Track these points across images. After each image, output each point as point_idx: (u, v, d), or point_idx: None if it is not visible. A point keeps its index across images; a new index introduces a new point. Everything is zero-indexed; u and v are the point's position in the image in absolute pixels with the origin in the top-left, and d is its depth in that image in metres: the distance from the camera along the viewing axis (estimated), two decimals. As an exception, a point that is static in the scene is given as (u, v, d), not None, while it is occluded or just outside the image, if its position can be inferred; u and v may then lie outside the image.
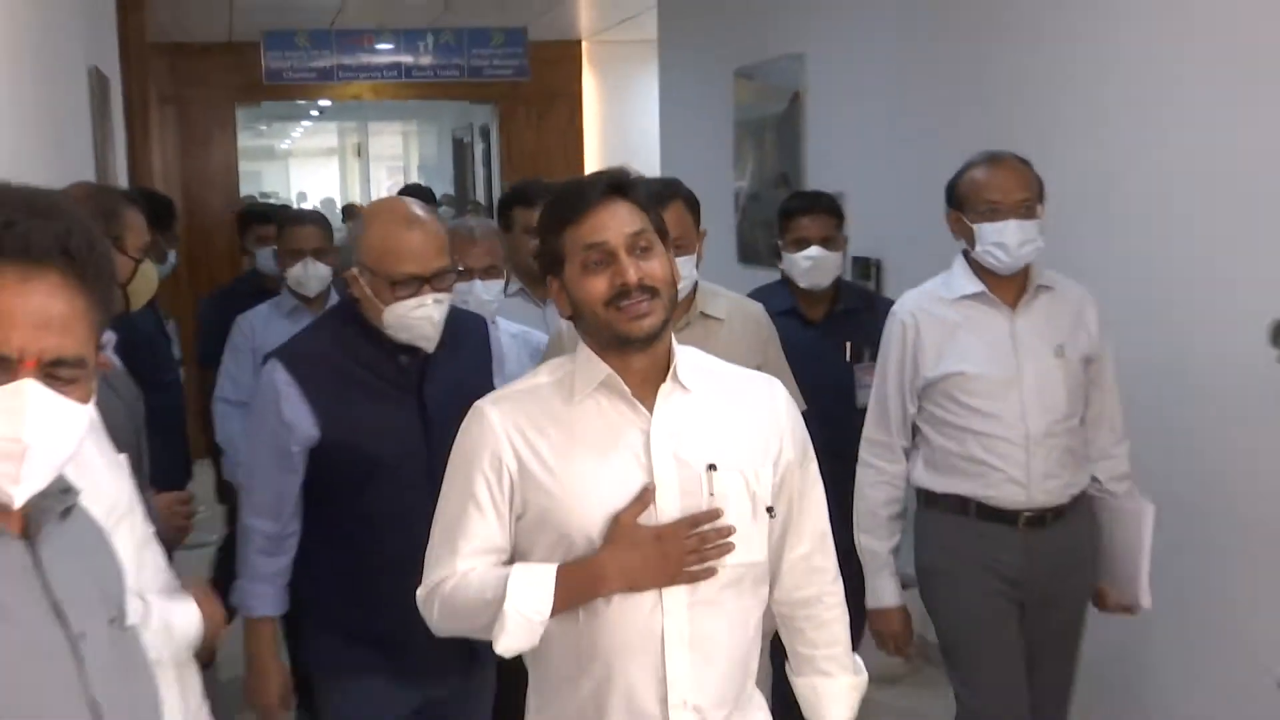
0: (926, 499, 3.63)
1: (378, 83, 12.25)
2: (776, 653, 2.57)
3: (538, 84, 12.16)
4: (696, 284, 3.60)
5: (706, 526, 2.20)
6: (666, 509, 2.23)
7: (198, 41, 11.81)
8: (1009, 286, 3.56)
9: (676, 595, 2.25)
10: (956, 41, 6.12)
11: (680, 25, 10.11)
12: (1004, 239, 3.46)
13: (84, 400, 1.71)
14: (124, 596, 1.96)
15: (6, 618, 1.68)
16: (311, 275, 5.10)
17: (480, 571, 2.28)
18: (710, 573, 2.20)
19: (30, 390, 1.62)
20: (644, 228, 2.25)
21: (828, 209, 4.56)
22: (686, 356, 2.35)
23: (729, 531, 2.21)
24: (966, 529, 3.53)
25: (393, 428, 2.90)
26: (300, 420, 2.98)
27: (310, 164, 25.39)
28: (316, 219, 5.41)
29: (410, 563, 2.48)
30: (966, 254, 3.64)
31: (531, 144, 13.16)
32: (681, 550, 2.17)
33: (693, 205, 3.71)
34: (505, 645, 2.20)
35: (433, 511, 2.47)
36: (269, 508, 3.09)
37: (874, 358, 4.12)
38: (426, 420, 2.56)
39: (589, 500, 2.26)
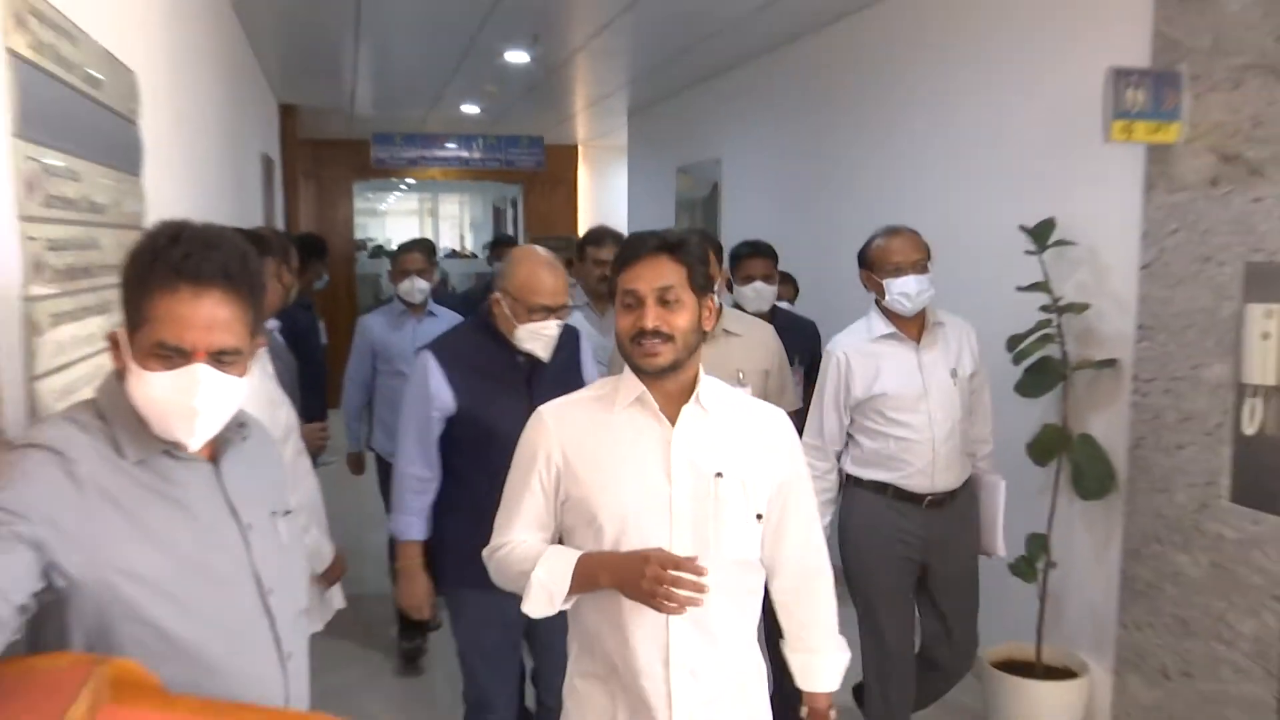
0: (855, 482, 3.41)
1: (445, 168, 12.20)
2: (776, 655, 2.30)
3: (549, 173, 12.03)
4: (721, 307, 3.08)
5: (686, 574, 1.86)
6: (680, 507, 1.98)
7: (329, 138, 11.72)
8: (912, 326, 3.35)
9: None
10: (826, 147, 6.04)
11: (641, 137, 10.05)
12: (906, 290, 3.27)
13: (241, 375, 1.62)
14: (285, 494, 1.89)
15: (197, 516, 1.62)
16: (416, 288, 4.86)
17: (527, 545, 2.06)
18: (677, 609, 1.87)
19: (201, 372, 1.54)
20: (673, 283, 1.95)
21: (765, 254, 4.28)
22: (709, 384, 2.06)
23: (702, 587, 1.86)
24: (883, 505, 3.36)
25: (508, 406, 2.67)
26: (442, 394, 2.86)
27: (400, 220, 25.08)
28: (421, 247, 5.15)
29: None
30: (878, 303, 3.40)
31: (545, 210, 13.04)
32: (655, 582, 1.85)
33: (716, 248, 3.57)
34: (528, 608, 1.99)
35: None
36: (419, 458, 2.94)
37: (802, 363, 4.03)
38: (531, 403, 2.30)
39: (615, 493, 2.01)
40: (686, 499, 1.99)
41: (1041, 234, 3.72)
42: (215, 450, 1.67)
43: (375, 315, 5.04)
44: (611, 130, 10.95)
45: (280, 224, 8.05)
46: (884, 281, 3.31)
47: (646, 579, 1.86)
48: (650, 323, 1.93)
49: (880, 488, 3.37)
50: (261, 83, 7.60)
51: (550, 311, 2.82)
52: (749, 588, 2.08)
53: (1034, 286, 3.68)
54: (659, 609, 1.89)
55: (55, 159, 1.96)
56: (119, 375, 1.59)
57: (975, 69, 4.50)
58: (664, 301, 1.94)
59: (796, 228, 6.14)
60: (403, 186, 19.89)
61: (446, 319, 4.83)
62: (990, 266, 4.16)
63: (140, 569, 1.51)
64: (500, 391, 2.87)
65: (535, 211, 13.19)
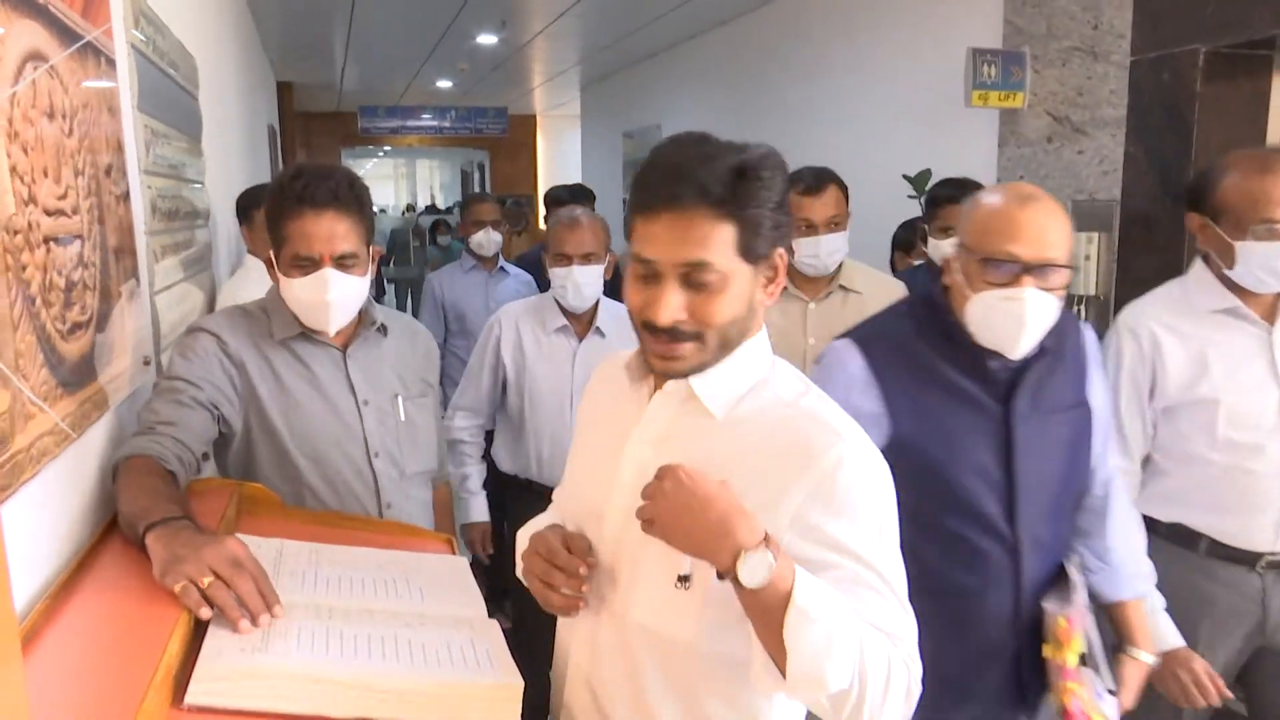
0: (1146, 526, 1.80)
1: (422, 136, 12.26)
2: None
3: (512, 139, 12.05)
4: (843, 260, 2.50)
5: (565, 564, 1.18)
6: (610, 528, 1.21)
7: (322, 111, 11.79)
8: (1263, 302, 1.86)
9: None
10: (749, 111, 6.22)
11: (593, 107, 10.14)
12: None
13: (361, 275, 1.69)
14: (415, 382, 1.86)
15: (323, 391, 1.73)
16: (491, 240, 3.90)
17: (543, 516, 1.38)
18: (567, 608, 1.20)
19: (329, 274, 1.64)
20: (710, 258, 1.07)
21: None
22: (731, 374, 1.16)
23: (577, 582, 1.17)
24: (1190, 566, 1.88)
25: (969, 441, 1.53)
26: (867, 406, 1.53)
27: (378, 183, 24.71)
28: (494, 198, 4.20)
29: None
30: (1210, 264, 1.90)
31: (509, 173, 13.12)
32: (537, 570, 1.21)
33: (844, 188, 2.52)
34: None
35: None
36: None
37: None
38: (1009, 438, 1.50)
39: (573, 486, 1.34)
40: (619, 521, 1.20)
41: (920, 181, 3.90)
42: (347, 340, 1.77)
43: (444, 271, 4.03)
44: (566, 101, 11.06)
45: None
46: (1241, 244, 1.79)
47: (535, 571, 1.22)
48: (665, 318, 1.10)
49: (1187, 537, 1.91)
50: (265, 63, 7.69)
51: (1024, 270, 1.46)
52: (676, 673, 1.17)
53: (911, 221, 3.96)
54: (540, 600, 1.23)
55: (159, 127, 2.23)
56: (276, 284, 1.74)
57: (868, 49, 4.77)
58: (691, 282, 1.09)
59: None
60: (380, 153, 19.77)
61: (520, 277, 3.99)
62: (877, 208, 4.21)
63: (275, 425, 1.68)
64: (961, 415, 1.55)
65: (501, 173, 13.28)
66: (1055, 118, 3.57)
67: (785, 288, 1.87)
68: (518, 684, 1.14)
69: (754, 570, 1.00)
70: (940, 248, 2.74)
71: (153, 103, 2.16)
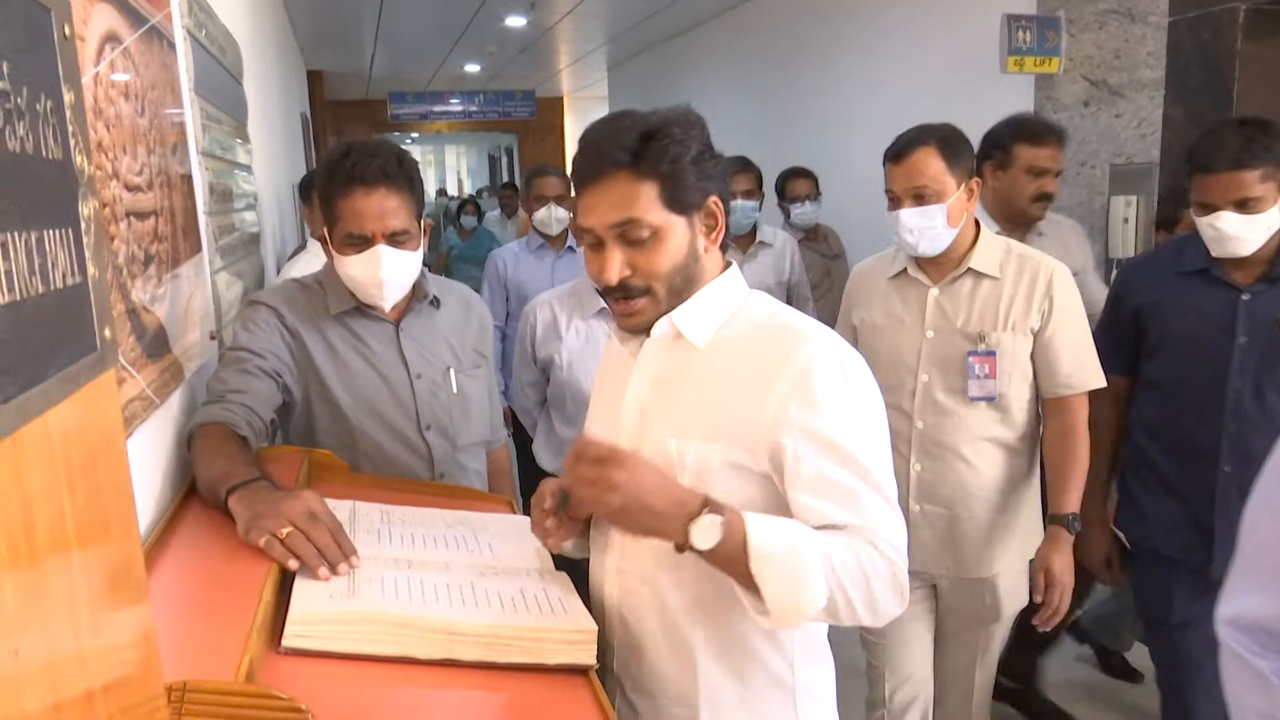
0: None
1: (450, 121, 12.34)
2: None
3: (540, 122, 12.11)
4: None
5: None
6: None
7: (351, 99, 11.87)
8: None
9: None
10: (780, 88, 6.22)
11: (620, 87, 10.13)
12: None
13: (414, 250, 1.70)
14: (469, 355, 1.87)
15: (376, 363, 1.75)
16: (554, 218, 3.62)
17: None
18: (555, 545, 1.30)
19: (381, 250, 1.64)
20: (635, 215, 1.17)
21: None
22: (709, 304, 1.25)
23: (540, 515, 1.26)
24: None
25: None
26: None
27: None
28: (559, 172, 3.82)
29: None
30: None
31: (537, 155, 13.12)
32: (534, 519, 1.28)
33: (949, 148, 1.96)
34: None
35: None
36: None
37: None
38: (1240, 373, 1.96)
39: (593, 424, 1.39)
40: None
41: (891, 154, 3.88)
42: (400, 314, 1.79)
43: (508, 249, 3.78)
44: (593, 82, 11.08)
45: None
46: None
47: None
48: (612, 275, 1.20)
49: None
50: (296, 52, 7.76)
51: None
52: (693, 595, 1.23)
53: None
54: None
55: (211, 110, 2.29)
56: (331, 261, 1.75)
57: (901, 18, 4.75)
58: (628, 240, 1.19)
59: (759, 160, 6.36)
60: (409, 139, 19.89)
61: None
62: None
63: (332, 396, 1.72)
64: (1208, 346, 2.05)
65: (530, 156, 13.30)
66: (1092, 81, 3.54)
67: (904, 270, 2.09)
68: (592, 628, 1.19)
69: (706, 532, 1.08)
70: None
71: (206, 87, 2.20)
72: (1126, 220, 3.40)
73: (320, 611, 1.11)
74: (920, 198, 1.98)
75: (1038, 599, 2.03)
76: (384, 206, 1.64)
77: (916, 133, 2.04)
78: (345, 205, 1.65)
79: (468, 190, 19.80)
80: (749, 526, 1.09)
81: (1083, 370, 2.01)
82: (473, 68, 9.87)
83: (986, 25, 3.78)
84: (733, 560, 1.09)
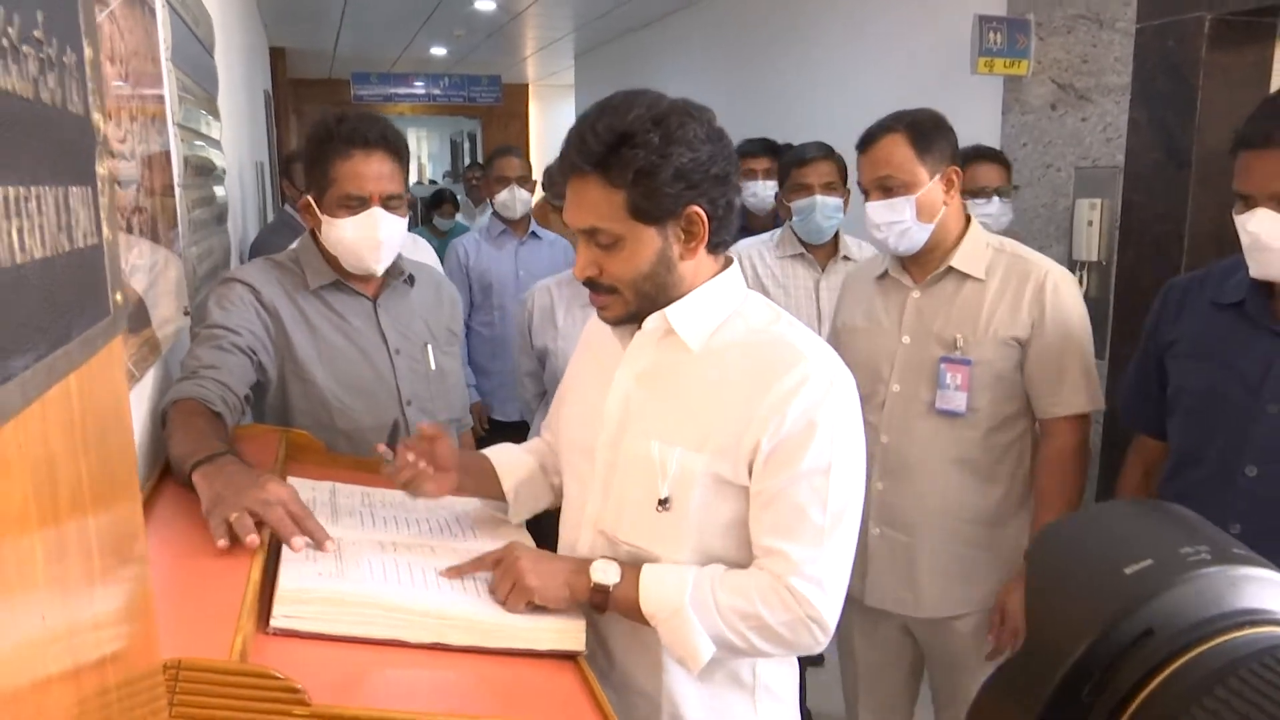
0: None
1: (414, 104, 12.19)
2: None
3: (505, 108, 12.01)
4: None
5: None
6: (600, 459, 1.28)
7: (313, 78, 11.65)
8: None
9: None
10: (749, 81, 6.18)
11: (587, 76, 10.01)
12: None
13: (403, 217, 1.71)
14: (444, 331, 1.88)
15: (355, 340, 1.75)
16: (518, 199, 3.41)
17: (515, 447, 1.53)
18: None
19: (378, 213, 1.66)
20: (600, 223, 1.17)
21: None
22: (707, 302, 1.23)
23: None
24: None
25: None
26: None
27: None
28: (521, 153, 3.66)
29: None
30: None
31: (499, 142, 13.11)
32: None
33: (920, 136, 1.80)
34: None
35: None
36: None
37: None
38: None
39: (565, 420, 1.41)
40: (606, 452, 1.28)
41: (860, 143, 3.90)
42: (377, 291, 1.80)
43: (468, 237, 3.54)
44: (560, 70, 10.99)
45: (274, 155, 8.11)
46: None
47: None
48: (578, 273, 1.23)
49: None
50: (260, 27, 7.61)
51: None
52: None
53: None
54: None
55: (186, 82, 2.24)
56: (312, 233, 1.75)
57: (871, 15, 4.78)
58: (597, 243, 1.20)
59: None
60: (370, 122, 19.53)
61: (556, 243, 3.49)
62: None
63: (309, 375, 1.71)
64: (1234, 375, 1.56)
65: (493, 142, 13.10)
66: (1059, 85, 3.59)
67: (887, 271, 1.91)
68: (581, 621, 1.21)
69: (604, 571, 1.19)
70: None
71: (182, 57, 2.16)
72: (1091, 223, 3.45)
73: (308, 589, 1.09)
74: (887, 189, 1.81)
75: (989, 637, 1.83)
76: (381, 169, 1.67)
77: (887, 119, 1.86)
78: (344, 166, 1.65)
79: (429, 175, 19.53)
80: (640, 591, 1.18)
81: (1075, 391, 1.77)
82: (439, 51, 9.75)
83: (957, 25, 3.81)
84: (632, 614, 1.19)
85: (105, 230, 0.68)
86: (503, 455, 1.48)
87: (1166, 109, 3.19)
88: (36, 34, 0.53)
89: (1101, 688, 0.42)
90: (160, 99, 1.79)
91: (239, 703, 0.84)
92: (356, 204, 1.67)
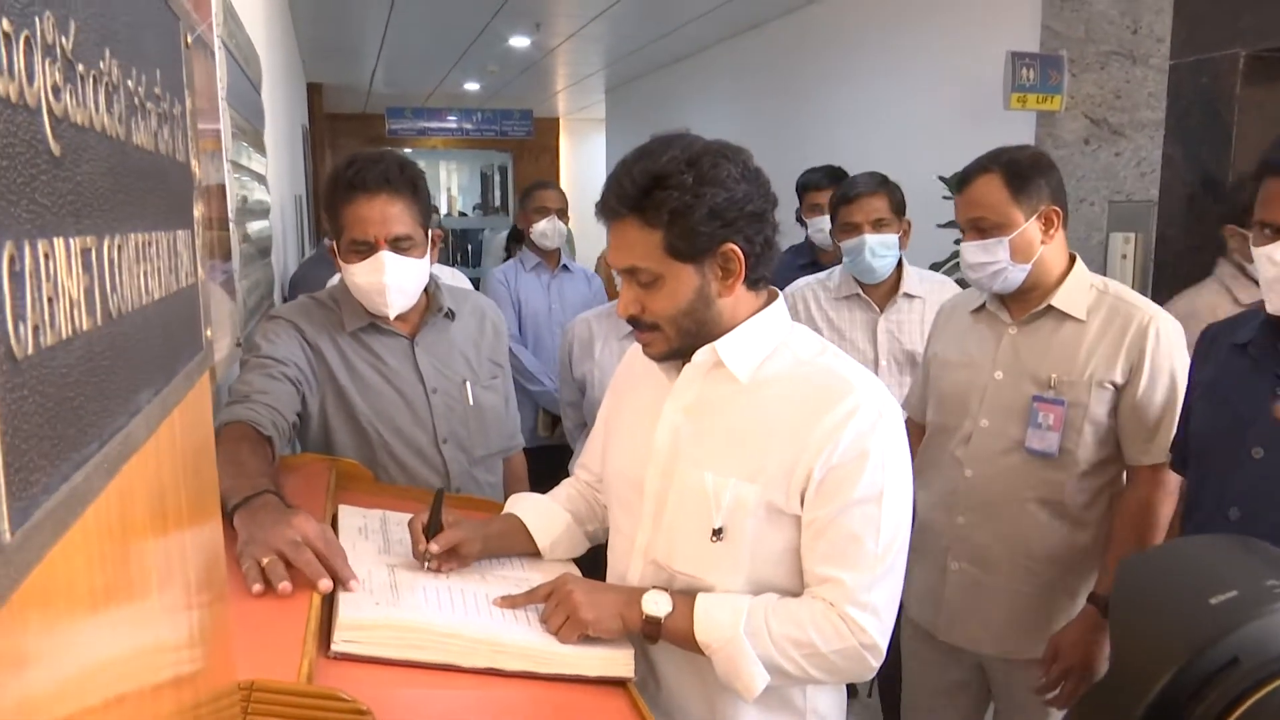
0: None
1: (447, 138, 12.35)
2: None
3: (536, 141, 12.08)
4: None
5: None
6: (650, 490, 1.30)
7: (349, 112, 11.86)
8: None
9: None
10: (779, 116, 6.24)
11: (618, 110, 10.17)
12: None
13: (419, 257, 1.69)
14: (485, 366, 1.86)
15: (392, 379, 1.76)
16: (555, 230, 3.41)
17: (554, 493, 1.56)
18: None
19: (385, 256, 1.64)
20: (640, 263, 1.20)
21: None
22: (755, 337, 1.25)
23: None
24: None
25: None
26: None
27: None
28: (557, 185, 3.68)
29: None
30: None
31: (532, 175, 13.09)
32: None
33: (1015, 177, 1.76)
34: None
35: None
36: None
37: None
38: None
39: (611, 452, 1.42)
40: (657, 482, 1.29)
41: (956, 182, 4.03)
42: (415, 329, 1.79)
43: (507, 267, 3.53)
44: (591, 104, 11.14)
45: (311, 189, 8.25)
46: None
47: None
48: (621, 311, 1.26)
49: None
50: (298, 63, 7.78)
51: None
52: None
53: (950, 224, 3.95)
54: None
55: (240, 120, 2.31)
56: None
57: (902, 52, 4.83)
58: (638, 282, 1.22)
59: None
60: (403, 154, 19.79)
61: (585, 276, 3.55)
62: (915, 209, 4.42)
63: (351, 409, 1.73)
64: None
65: (524, 176, 13.28)
66: (1093, 120, 3.61)
67: (984, 305, 1.88)
68: (629, 649, 1.23)
69: (656, 603, 1.21)
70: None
71: (235, 96, 2.23)
72: (1125, 257, 3.46)
73: (367, 618, 1.12)
74: (981, 230, 1.78)
75: (1040, 674, 1.80)
76: (386, 212, 1.65)
77: (983, 158, 1.83)
78: (349, 212, 1.66)
79: (459, 207, 19.71)
80: (695, 621, 1.19)
81: (1168, 441, 1.72)
82: (472, 86, 9.91)
83: (989, 61, 3.84)
84: (685, 643, 1.21)
85: (199, 270, 0.72)
86: (534, 512, 1.48)
87: (1201, 144, 3.20)
88: (156, 90, 0.57)
89: (1187, 715, 0.43)
90: (217, 135, 1.85)
91: (309, 724, 0.87)
92: (364, 249, 1.66)
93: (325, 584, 1.15)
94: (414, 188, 1.69)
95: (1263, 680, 0.43)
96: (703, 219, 1.17)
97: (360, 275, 1.68)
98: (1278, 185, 1.44)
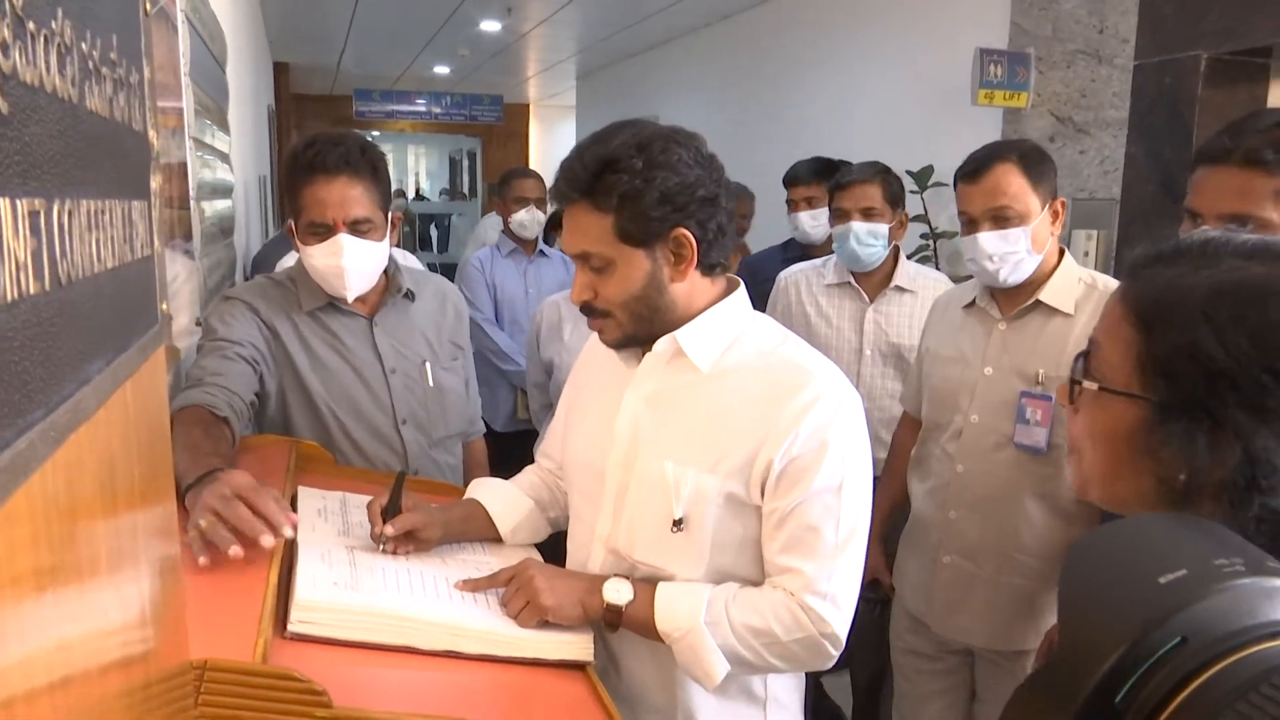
0: None
1: (415, 121, 12.23)
2: None
3: (506, 127, 12.03)
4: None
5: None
6: (610, 481, 1.29)
7: (316, 94, 11.70)
8: None
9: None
10: (748, 106, 6.25)
11: (589, 97, 10.06)
12: None
13: (378, 240, 1.68)
14: (445, 347, 1.85)
15: (350, 359, 1.75)
16: (533, 220, 3.46)
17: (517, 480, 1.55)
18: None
19: (343, 239, 1.63)
20: (591, 249, 1.19)
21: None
22: (716, 326, 1.25)
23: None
24: None
25: None
26: None
27: None
28: (537, 175, 3.71)
29: None
30: None
31: (501, 160, 12.97)
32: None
33: (1031, 165, 1.77)
34: None
35: None
36: None
37: None
38: None
39: (570, 441, 1.40)
40: (617, 473, 1.29)
41: (922, 177, 3.95)
42: (374, 309, 1.78)
43: (481, 253, 3.58)
44: (562, 91, 11.07)
45: (275, 169, 8.15)
46: None
47: None
48: (574, 298, 1.25)
49: None
50: (264, 43, 7.67)
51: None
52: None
53: (917, 218, 3.91)
54: None
55: (202, 97, 2.27)
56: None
57: (871, 46, 4.84)
58: (590, 267, 1.22)
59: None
60: (369, 137, 19.59)
61: (563, 260, 3.56)
62: None
63: (308, 390, 1.72)
64: None
65: (493, 161, 13.21)
66: (1058, 118, 3.65)
67: (974, 301, 1.88)
68: (589, 634, 1.23)
69: (618, 591, 1.21)
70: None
71: (199, 72, 2.19)
72: (1087, 254, 3.50)
73: (324, 600, 1.11)
74: (1001, 219, 1.76)
75: (1035, 665, 1.82)
76: (345, 194, 1.63)
77: (994, 147, 1.82)
78: (307, 193, 1.64)
79: (425, 191, 19.52)
80: (655, 610, 1.19)
81: None
82: (442, 69, 9.82)
83: (957, 57, 3.87)
84: (646, 632, 1.21)
85: (155, 242, 0.71)
86: (495, 498, 1.48)
87: (1163, 143, 3.25)
88: (112, 55, 0.55)
89: (1134, 695, 0.44)
90: (179, 112, 1.82)
91: (262, 703, 0.86)
92: (323, 231, 1.65)
93: (266, 540, 1.11)
94: (374, 170, 1.67)
95: (1209, 660, 0.43)
96: (653, 203, 1.16)
97: (318, 258, 1.66)
98: (1204, 174, 1.45)
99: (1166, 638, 0.43)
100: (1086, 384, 0.81)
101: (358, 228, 1.65)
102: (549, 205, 3.57)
